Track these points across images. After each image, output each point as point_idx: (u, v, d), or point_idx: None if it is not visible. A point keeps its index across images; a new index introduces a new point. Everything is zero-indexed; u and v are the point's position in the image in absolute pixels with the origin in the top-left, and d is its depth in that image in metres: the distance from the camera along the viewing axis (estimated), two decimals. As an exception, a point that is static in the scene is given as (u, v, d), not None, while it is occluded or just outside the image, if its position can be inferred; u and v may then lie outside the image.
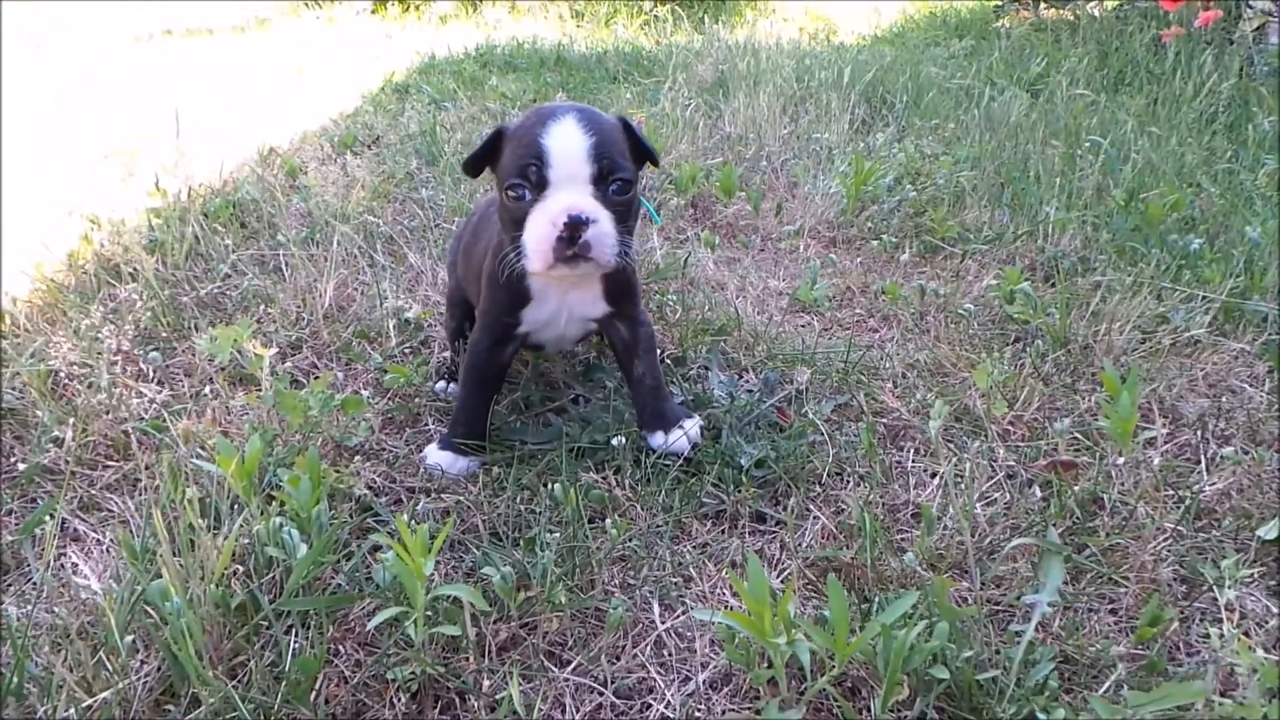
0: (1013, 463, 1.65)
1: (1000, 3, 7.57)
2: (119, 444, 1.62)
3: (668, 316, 2.22)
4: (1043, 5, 7.18)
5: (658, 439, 1.62)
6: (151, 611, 1.14)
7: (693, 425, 1.63)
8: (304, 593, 1.23)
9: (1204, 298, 2.26)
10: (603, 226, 1.37)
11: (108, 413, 1.67)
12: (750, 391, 1.86)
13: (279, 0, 9.36)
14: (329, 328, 2.09)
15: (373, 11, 9.03)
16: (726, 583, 1.36)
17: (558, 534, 1.37)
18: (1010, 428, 1.79)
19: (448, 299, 1.98)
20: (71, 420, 1.61)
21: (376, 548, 1.34)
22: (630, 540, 1.42)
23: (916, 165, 3.44)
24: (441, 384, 1.91)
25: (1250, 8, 5.23)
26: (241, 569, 1.25)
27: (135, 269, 2.29)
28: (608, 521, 1.39)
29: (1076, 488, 1.51)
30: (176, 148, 2.80)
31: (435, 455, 1.63)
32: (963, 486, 1.58)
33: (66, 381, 1.80)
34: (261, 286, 2.29)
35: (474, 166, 1.55)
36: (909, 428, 1.79)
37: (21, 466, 1.53)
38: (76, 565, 1.36)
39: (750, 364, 2.01)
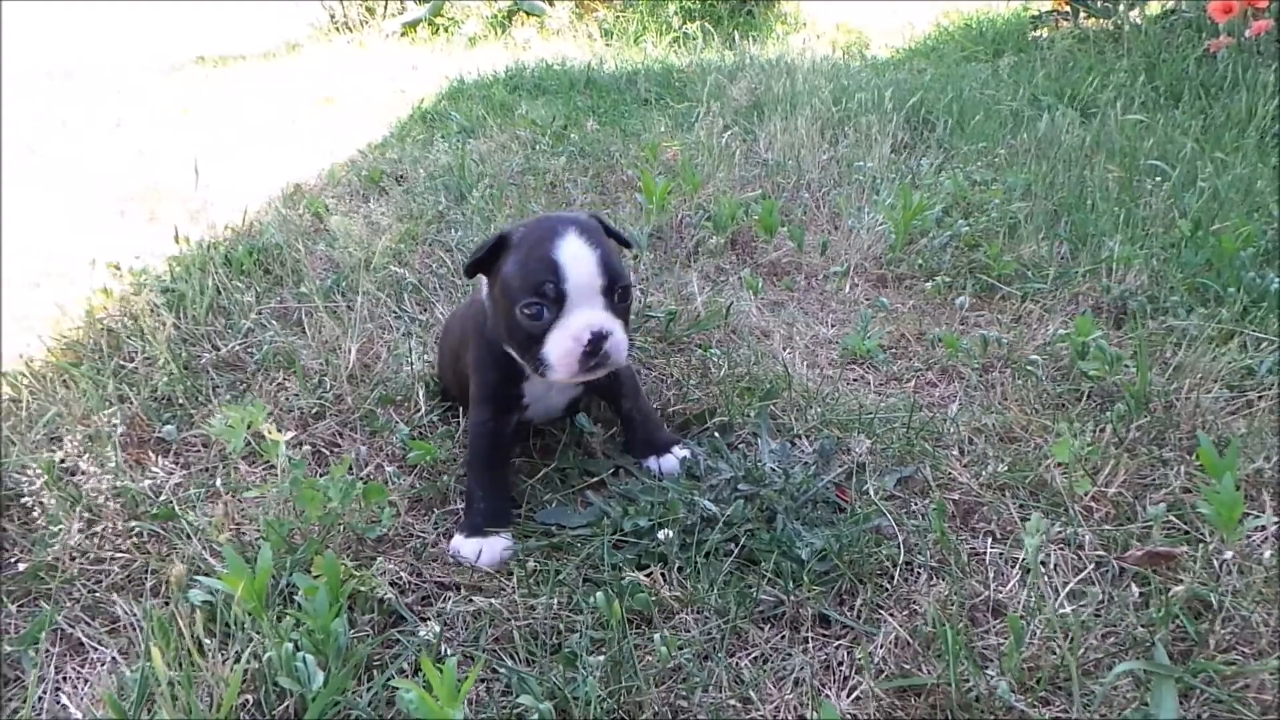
0: (1101, 551, 1.49)
1: (1038, 13, 7.37)
2: (128, 535, 1.51)
3: (711, 374, 2.08)
4: (1082, 15, 6.97)
5: (651, 463, 1.73)
6: (149, 763, 1.01)
7: (683, 450, 1.74)
8: (320, 729, 1.11)
9: (1293, 346, 2.08)
10: (617, 336, 1.47)
11: (117, 496, 1.56)
12: (805, 464, 1.71)
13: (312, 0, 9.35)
14: (353, 391, 1.98)
15: (402, 34, 9.00)
16: (791, 706, 1.21)
17: (600, 654, 1.24)
18: (1093, 504, 1.62)
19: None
20: (78, 509, 1.50)
21: (399, 677, 1.21)
22: (682, 650, 1.28)
23: (966, 195, 3.28)
24: None
25: (1307, 16, 5.00)
26: (252, 699, 1.12)
27: (156, 325, 2.19)
28: (656, 637, 1.25)
29: (1180, 588, 1.35)
30: (198, 196, 2.71)
31: (462, 546, 1.50)
32: (1045, 578, 1.42)
33: (76, 459, 1.69)
34: (284, 344, 2.18)
35: (482, 266, 1.59)
36: (980, 505, 1.63)
37: (22, 567, 1.42)
38: (76, 684, 1.25)
39: (803, 429, 1.86)
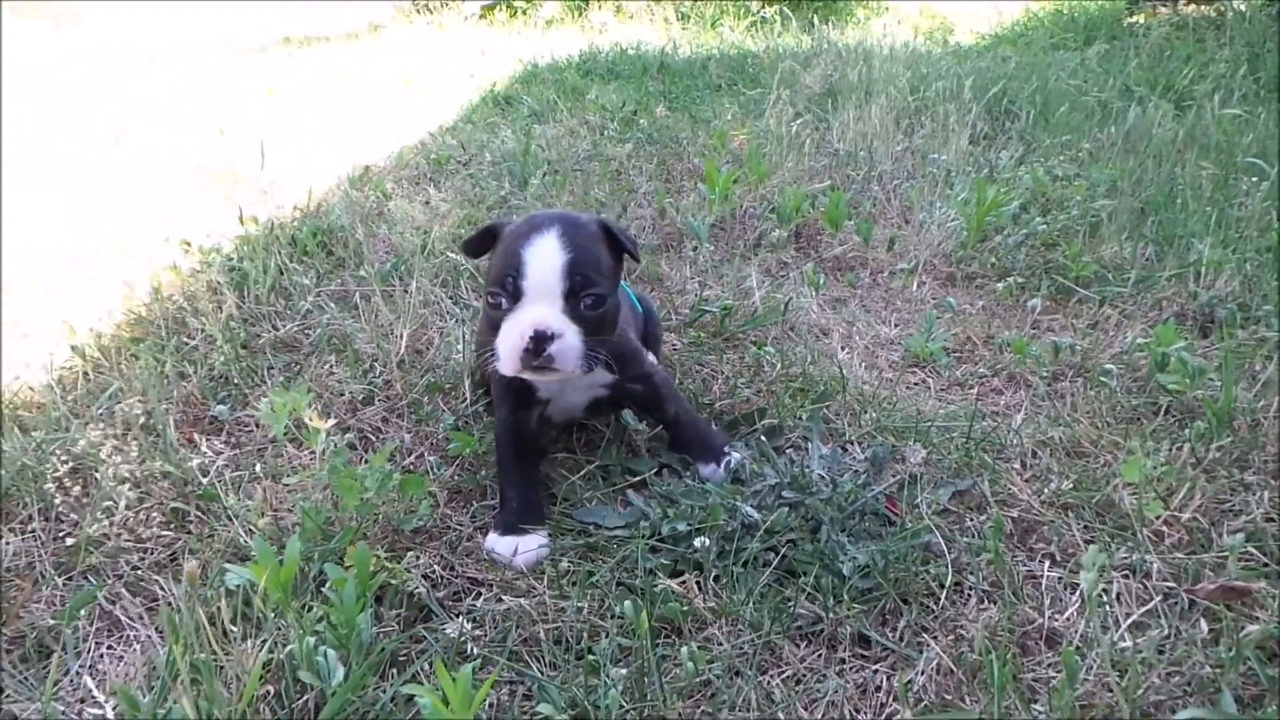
0: (1170, 582, 1.39)
1: (1134, -1, 7.02)
2: (173, 514, 1.53)
3: (764, 373, 2.03)
4: (1183, 1, 6.63)
5: (708, 470, 1.67)
6: (167, 752, 1.02)
7: (737, 453, 1.67)
8: (339, 725, 1.10)
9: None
10: (567, 340, 1.43)
11: (165, 476, 1.59)
12: (855, 472, 1.64)
13: (391, 1, 9.54)
14: (403, 378, 1.97)
15: (480, 17, 9.06)
16: (822, 730, 1.16)
17: (624, 666, 1.20)
18: (1164, 529, 1.52)
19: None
20: (126, 486, 1.53)
21: (417, 681, 1.20)
22: (711, 664, 1.24)
23: (1046, 190, 3.13)
24: None
25: None
26: (273, 691, 1.12)
27: (215, 305, 2.23)
28: (684, 650, 1.21)
29: (1254, 628, 1.25)
30: (266, 178, 2.75)
31: (497, 544, 1.48)
32: (1107, 607, 1.34)
33: (131, 435, 1.73)
34: (339, 327, 2.19)
35: (473, 250, 1.65)
36: (1040, 524, 1.55)
37: (70, 541, 1.45)
38: (111, 661, 1.27)
39: (856, 435, 1.80)
